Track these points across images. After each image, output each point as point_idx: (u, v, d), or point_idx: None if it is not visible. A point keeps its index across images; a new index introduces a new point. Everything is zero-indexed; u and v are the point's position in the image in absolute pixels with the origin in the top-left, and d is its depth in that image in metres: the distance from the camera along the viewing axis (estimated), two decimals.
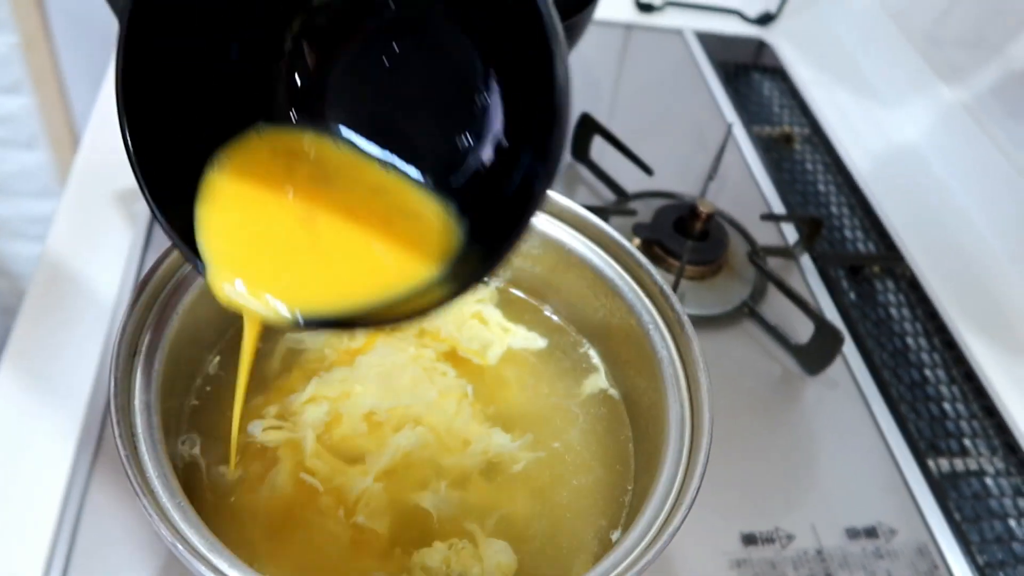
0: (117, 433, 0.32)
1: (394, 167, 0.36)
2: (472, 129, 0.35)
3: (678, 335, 0.42)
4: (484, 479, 0.44)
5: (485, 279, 0.32)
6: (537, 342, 0.50)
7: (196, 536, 0.30)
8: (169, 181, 0.32)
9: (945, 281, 0.79)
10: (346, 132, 0.36)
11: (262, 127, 0.35)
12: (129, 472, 0.31)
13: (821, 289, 0.75)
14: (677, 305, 0.42)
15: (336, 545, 0.39)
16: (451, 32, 0.34)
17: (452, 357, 0.49)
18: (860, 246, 0.82)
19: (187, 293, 0.39)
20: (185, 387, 0.43)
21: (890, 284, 0.78)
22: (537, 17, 0.26)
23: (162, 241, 0.64)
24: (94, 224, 0.65)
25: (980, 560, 0.59)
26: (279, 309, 0.31)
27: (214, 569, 0.30)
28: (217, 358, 0.46)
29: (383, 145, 0.36)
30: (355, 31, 0.35)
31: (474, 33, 0.33)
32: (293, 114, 0.36)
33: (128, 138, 0.30)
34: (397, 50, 0.35)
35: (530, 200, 0.29)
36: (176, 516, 0.31)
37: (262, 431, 0.43)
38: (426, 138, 0.36)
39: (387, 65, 0.35)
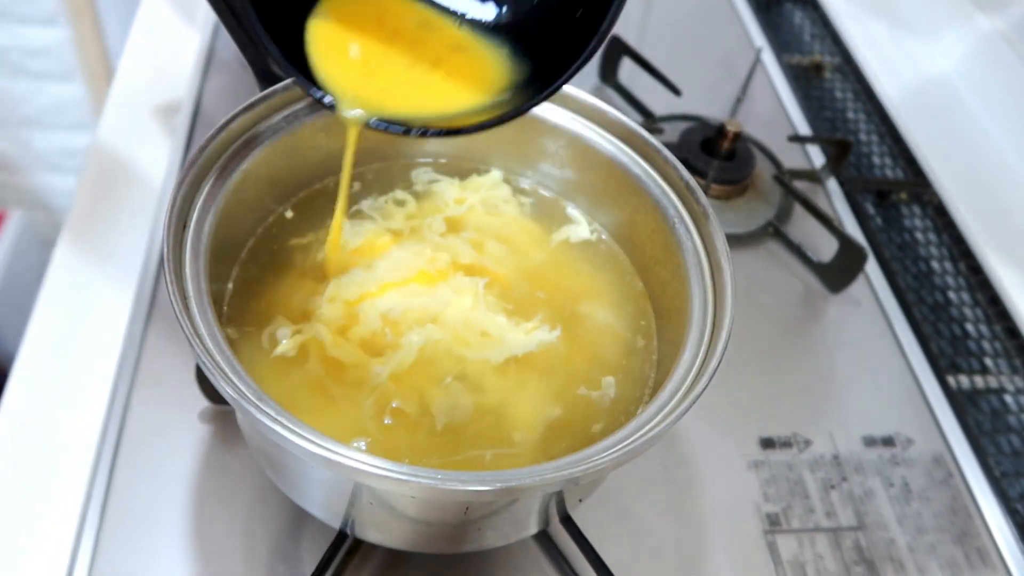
0: (172, 290, 0.34)
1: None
2: None
3: (702, 226, 0.43)
4: (504, 372, 0.45)
5: (536, 103, 0.39)
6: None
7: (244, 384, 0.33)
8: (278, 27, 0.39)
9: (973, 207, 0.79)
10: None
11: None
12: (183, 324, 0.33)
13: (847, 212, 0.75)
14: (702, 197, 0.43)
15: (370, 415, 0.42)
16: None
17: (465, 265, 0.50)
18: (888, 172, 0.82)
19: (230, 176, 0.41)
20: (226, 272, 0.45)
21: (916, 210, 0.79)
22: None
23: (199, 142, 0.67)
24: (137, 129, 0.67)
25: (996, 471, 0.60)
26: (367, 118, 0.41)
27: (266, 414, 0.32)
28: (252, 241, 0.48)
29: None
30: None
31: None
32: None
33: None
34: None
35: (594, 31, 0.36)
36: (226, 368, 0.33)
37: (289, 336, 0.45)
38: None
39: None
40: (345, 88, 0.40)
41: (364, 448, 0.41)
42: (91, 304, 0.57)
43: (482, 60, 0.42)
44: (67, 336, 0.56)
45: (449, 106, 0.41)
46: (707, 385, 0.35)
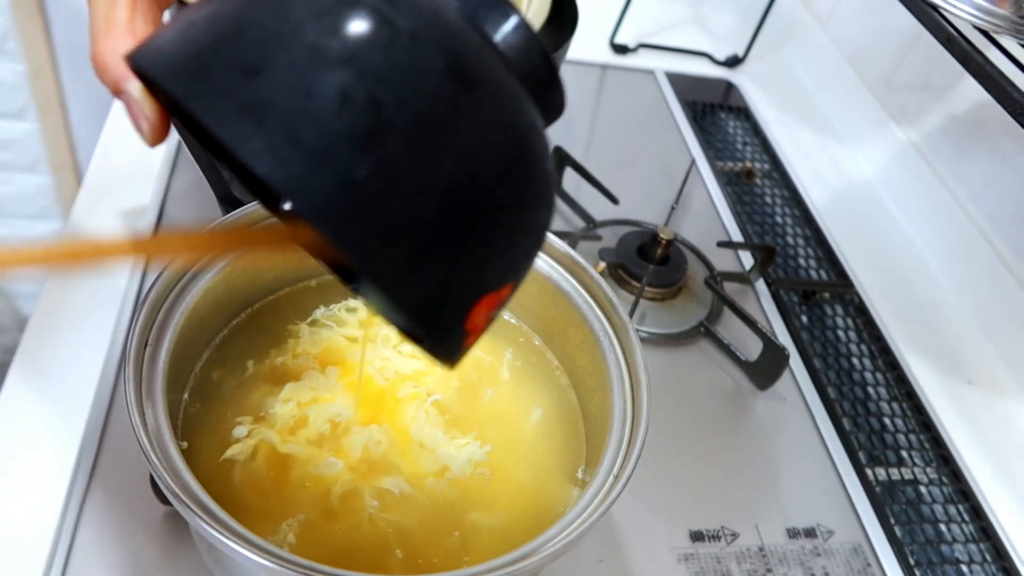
0: (132, 411, 0.37)
1: None
2: None
3: (623, 340, 0.48)
4: (442, 480, 0.49)
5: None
6: None
7: (195, 496, 0.36)
8: None
9: (891, 307, 0.85)
10: None
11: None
12: (142, 442, 0.36)
13: (774, 312, 0.80)
14: (623, 314, 0.48)
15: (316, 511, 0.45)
16: None
17: (411, 376, 0.54)
18: (813, 273, 0.88)
19: (190, 294, 0.45)
20: (183, 383, 0.48)
21: (839, 309, 0.84)
22: None
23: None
24: (104, 232, 0.71)
25: (911, 560, 0.64)
26: None
27: (213, 526, 0.35)
28: (210, 348, 0.51)
29: None
30: None
31: None
32: None
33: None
34: None
35: None
36: (181, 479, 0.36)
37: (244, 435, 0.48)
38: None
39: None
40: None
41: (293, 540, 0.44)
42: (49, 405, 0.60)
43: None
44: (24, 434, 0.58)
45: None
46: (619, 495, 0.39)
